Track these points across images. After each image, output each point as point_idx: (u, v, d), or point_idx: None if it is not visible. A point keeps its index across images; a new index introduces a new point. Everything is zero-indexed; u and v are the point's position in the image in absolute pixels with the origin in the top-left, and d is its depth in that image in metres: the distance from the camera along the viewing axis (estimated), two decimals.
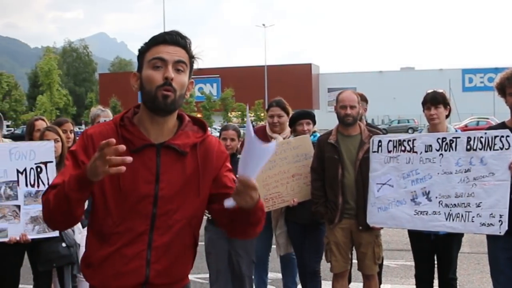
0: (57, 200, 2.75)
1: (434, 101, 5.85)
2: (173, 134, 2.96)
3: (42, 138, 6.10)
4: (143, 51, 2.92)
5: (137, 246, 2.86)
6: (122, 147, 2.51)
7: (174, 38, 2.89)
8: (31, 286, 6.30)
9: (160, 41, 2.89)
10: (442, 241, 5.88)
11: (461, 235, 5.95)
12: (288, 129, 7.04)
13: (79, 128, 57.85)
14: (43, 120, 6.98)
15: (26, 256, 6.16)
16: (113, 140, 2.49)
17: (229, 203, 2.68)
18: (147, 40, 2.94)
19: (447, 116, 5.94)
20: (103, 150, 2.49)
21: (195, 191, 2.96)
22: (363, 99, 7.07)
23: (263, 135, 7.10)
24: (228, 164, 3.12)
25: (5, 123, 7.38)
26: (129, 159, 2.51)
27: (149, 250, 2.87)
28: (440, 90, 5.99)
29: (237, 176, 2.65)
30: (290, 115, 7.02)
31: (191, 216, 2.98)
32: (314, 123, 6.94)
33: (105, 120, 6.48)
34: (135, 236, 2.86)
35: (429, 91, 6.00)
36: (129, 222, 2.85)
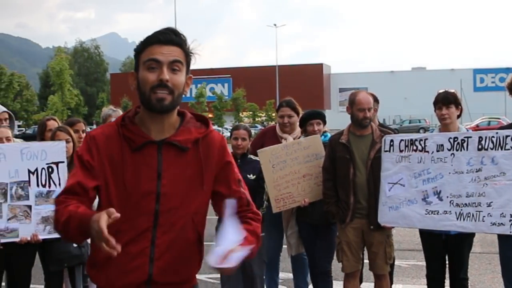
0: (65, 229, 2.80)
1: (446, 101, 5.83)
2: (175, 130, 2.96)
3: (53, 138, 6.09)
4: (138, 51, 2.90)
5: (141, 243, 2.87)
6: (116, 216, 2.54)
7: (168, 37, 2.85)
8: (43, 286, 6.31)
9: (154, 41, 2.85)
10: (453, 240, 5.86)
11: (473, 234, 5.93)
12: (298, 129, 7.02)
13: (91, 128, 57.94)
14: (54, 120, 6.96)
15: (37, 256, 6.17)
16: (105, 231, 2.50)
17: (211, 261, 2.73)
18: (142, 39, 2.91)
19: (458, 116, 5.93)
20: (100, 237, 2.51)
21: (198, 187, 2.97)
22: (374, 99, 7.05)
23: (273, 136, 7.09)
24: (231, 160, 3.12)
25: (16, 123, 7.38)
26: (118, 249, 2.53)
27: (152, 247, 2.88)
28: (452, 90, 5.97)
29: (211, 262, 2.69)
30: (300, 115, 7.01)
31: (194, 212, 2.98)
32: (325, 123, 6.92)
33: None
34: (138, 233, 2.87)
35: (441, 91, 5.99)
36: (132, 219, 2.86)
